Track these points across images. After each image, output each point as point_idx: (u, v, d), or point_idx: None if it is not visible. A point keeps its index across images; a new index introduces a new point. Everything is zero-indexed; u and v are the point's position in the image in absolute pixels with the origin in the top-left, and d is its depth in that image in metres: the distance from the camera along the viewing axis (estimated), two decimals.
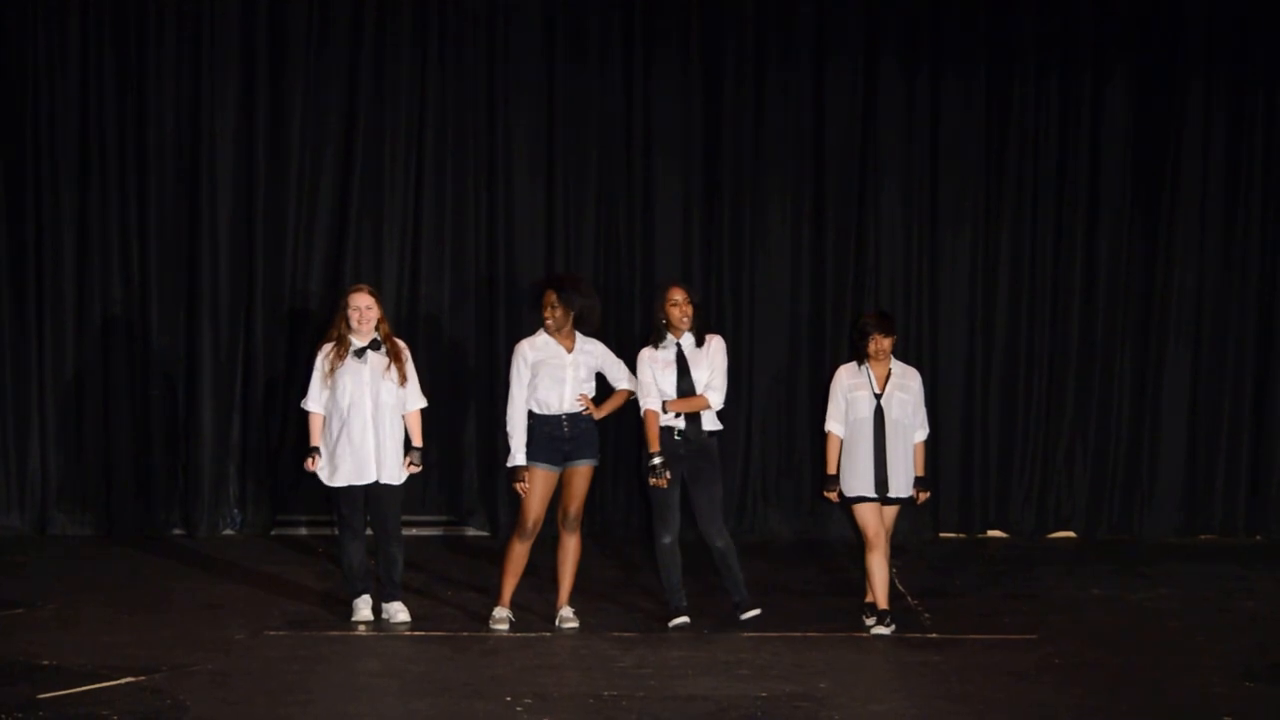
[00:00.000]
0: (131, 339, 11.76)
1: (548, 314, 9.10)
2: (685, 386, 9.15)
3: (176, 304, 11.78)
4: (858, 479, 9.10)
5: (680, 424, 9.15)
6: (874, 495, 9.06)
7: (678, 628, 9.05)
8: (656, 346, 9.24)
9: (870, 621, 9.10)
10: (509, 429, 9.09)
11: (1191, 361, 12.21)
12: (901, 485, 9.12)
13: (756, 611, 9.18)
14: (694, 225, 12.02)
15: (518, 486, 9.05)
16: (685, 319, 9.18)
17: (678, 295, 9.22)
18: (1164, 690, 7.96)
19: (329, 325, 9.33)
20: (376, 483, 9.08)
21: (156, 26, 11.69)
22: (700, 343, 9.23)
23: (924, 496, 9.33)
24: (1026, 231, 12.14)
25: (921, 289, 12.11)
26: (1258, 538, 12.24)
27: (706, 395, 9.16)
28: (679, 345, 9.22)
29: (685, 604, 9.14)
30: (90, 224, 11.71)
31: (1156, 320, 12.18)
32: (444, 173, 11.92)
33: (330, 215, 11.84)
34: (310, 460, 9.13)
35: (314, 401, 9.16)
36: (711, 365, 9.21)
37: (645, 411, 9.17)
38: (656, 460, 9.06)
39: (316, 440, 9.15)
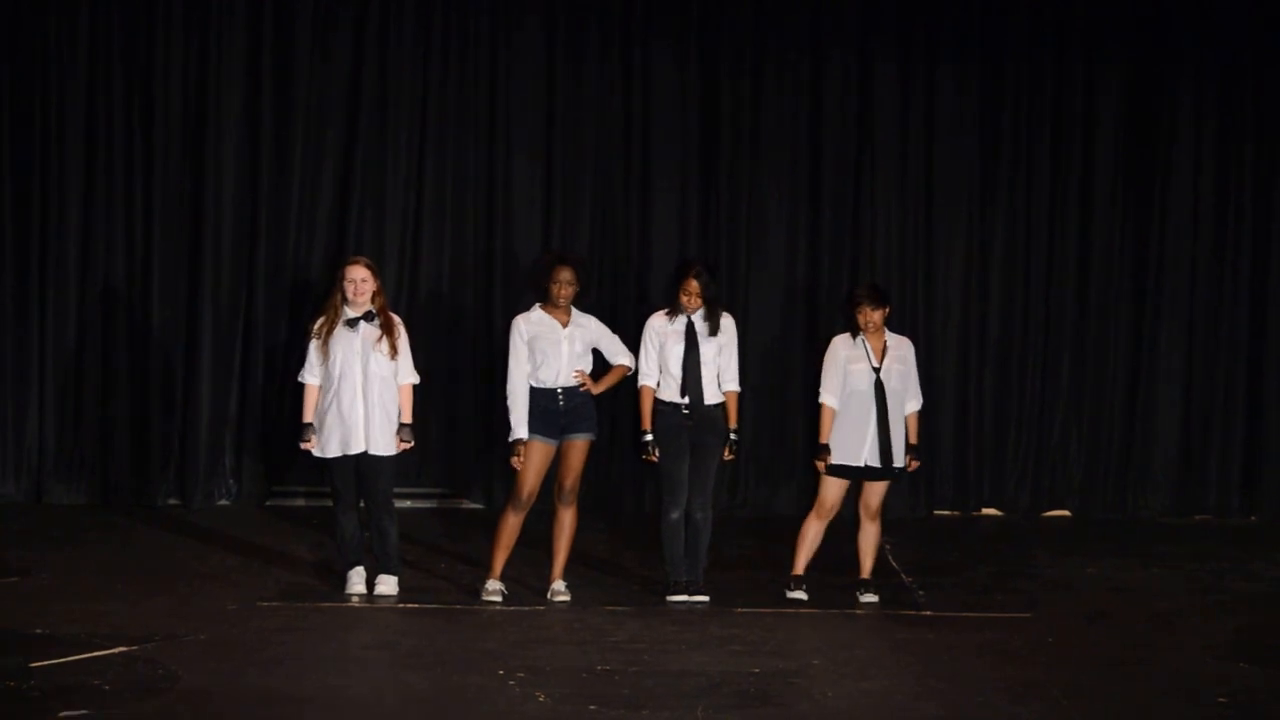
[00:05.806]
0: (132, 310, 11.75)
1: (561, 290, 9.07)
2: (692, 360, 9.13)
3: (178, 276, 11.77)
4: (846, 451, 9.10)
5: (685, 399, 9.15)
6: (857, 465, 9.07)
7: (675, 604, 9.05)
8: (670, 318, 9.24)
9: (860, 594, 9.13)
10: (509, 403, 9.07)
11: (1186, 341, 12.24)
12: (901, 456, 9.15)
13: (703, 599, 9.10)
14: (691, 204, 12.03)
15: (514, 461, 9.04)
16: (688, 305, 9.18)
17: (691, 286, 9.14)
18: (1157, 670, 7.96)
19: (327, 298, 9.31)
20: (365, 453, 9.05)
21: (164, 4, 11.70)
22: (714, 326, 9.19)
23: (914, 464, 9.34)
24: (1021, 210, 12.17)
25: (916, 268, 12.11)
26: (1252, 518, 12.25)
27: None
28: (690, 320, 9.20)
29: (684, 579, 9.13)
30: (95, 196, 11.71)
31: (1151, 300, 12.20)
32: (444, 151, 11.95)
33: (333, 191, 11.86)
34: (308, 441, 9.09)
35: (310, 374, 9.12)
36: (720, 345, 9.21)
37: (641, 387, 9.19)
38: (648, 438, 9.12)
39: (309, 415, 9.10)
